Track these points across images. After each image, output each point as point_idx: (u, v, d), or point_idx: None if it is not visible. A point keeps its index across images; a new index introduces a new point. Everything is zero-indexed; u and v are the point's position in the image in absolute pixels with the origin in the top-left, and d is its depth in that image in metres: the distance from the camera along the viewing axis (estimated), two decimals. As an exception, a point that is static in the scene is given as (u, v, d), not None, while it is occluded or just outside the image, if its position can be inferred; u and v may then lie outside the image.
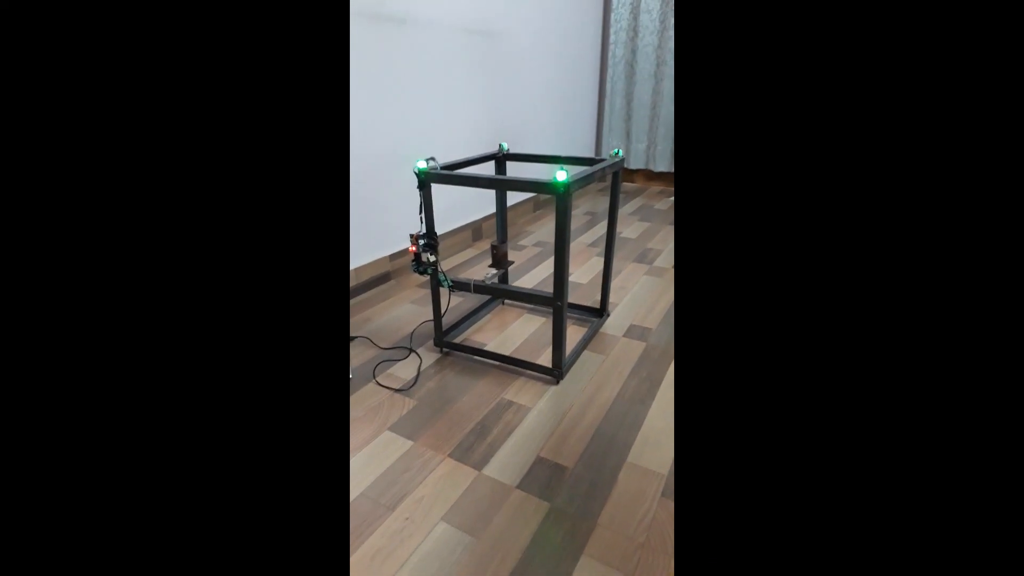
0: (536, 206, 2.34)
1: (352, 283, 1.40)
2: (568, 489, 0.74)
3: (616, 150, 1.09)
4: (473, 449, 0.82)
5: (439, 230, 1.73)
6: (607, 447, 0.83)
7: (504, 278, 1.36)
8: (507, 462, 0.80)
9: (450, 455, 0.81)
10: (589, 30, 2.55)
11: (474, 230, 1.89)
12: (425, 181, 0.95)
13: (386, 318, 1.28)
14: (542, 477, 0.77)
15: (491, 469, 0.78)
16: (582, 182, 0.89)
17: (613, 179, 1.11)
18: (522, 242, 1.89)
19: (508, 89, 1.95)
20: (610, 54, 2.69)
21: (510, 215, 2.12)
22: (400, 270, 1.56)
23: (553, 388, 0.99)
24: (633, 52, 2.63)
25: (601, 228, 2.06)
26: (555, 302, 0.93)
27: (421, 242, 0.98)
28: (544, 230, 2.05)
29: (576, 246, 1.84)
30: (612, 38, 2.65)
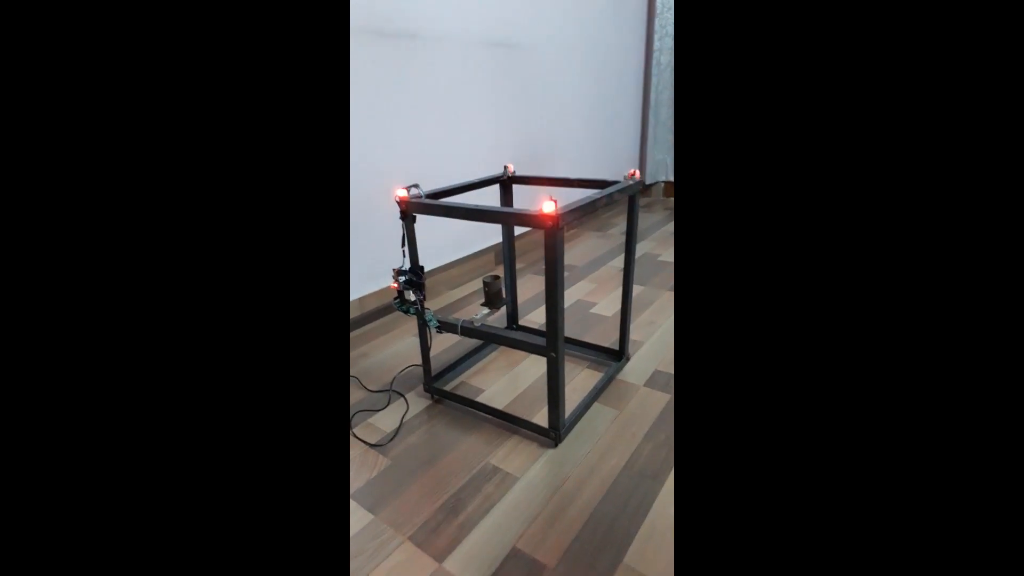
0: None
1: (354, 314, 1.32)
2: (543, 599, 0.59)
3: (632, 172, 0.93)
4: (439, 531, 0.69)
5: (455, 255, 1.63)
6: (602, 540, 0.67)
7: (513, 312, 1.23)
8: (475, 553, 0.66)
9: (411, 537, 0.69)
10: (631, 36, 2.38)
11: (496, 253, 1.78)
12: (406, 211, 0.85)
13: (383, 355, 1.18)
14: (514, 578, 0.62)
15: (454, 561, 0.65)
16: (580, 212, 0.74)
17: (630, 206, 0.95)
18: (544, 266, 1.75)
19: (536, 104, 1.83)
20: (654, 61, 2.51)
21: (534, 235, 1.99)
22: (411, 298, 1.46)
23: (550, 452, 0.84)
24: (680, 59, 2.44)
25: (637, 250, 1.88)
26: (548, 352, 0.79)
27: (402, 279, 0.87)
28: (573, 252, 1.89)
29: (606, 271, 1.68)
30: (656, 44, 2.47)
